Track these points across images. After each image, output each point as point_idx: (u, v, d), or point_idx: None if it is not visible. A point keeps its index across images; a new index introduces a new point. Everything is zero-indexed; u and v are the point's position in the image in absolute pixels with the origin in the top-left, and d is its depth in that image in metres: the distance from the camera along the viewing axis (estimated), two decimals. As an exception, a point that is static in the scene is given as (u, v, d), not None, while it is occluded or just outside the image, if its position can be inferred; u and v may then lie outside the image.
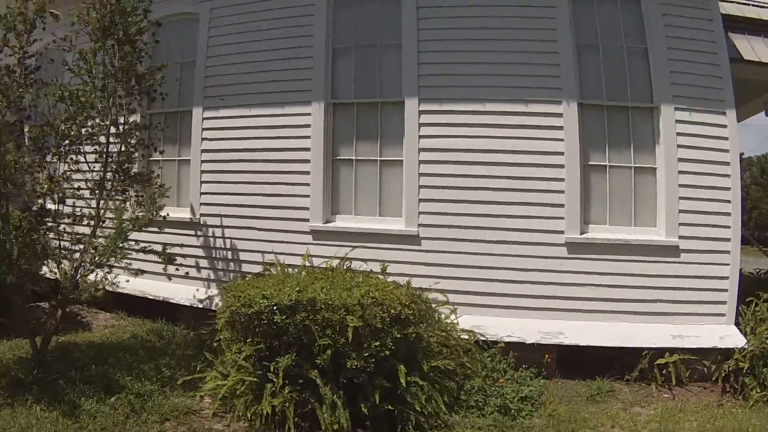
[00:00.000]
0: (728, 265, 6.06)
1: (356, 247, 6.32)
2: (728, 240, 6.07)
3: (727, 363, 5.65)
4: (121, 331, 7.07)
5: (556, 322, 6.04)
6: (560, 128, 6.21)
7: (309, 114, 6.90)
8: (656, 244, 6.09)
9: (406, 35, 6.61)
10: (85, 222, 6.06)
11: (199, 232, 7.46)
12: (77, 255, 5.84)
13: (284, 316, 4.56)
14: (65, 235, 5.92)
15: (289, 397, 4.53)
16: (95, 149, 6.25)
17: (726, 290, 6.05)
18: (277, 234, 6.95)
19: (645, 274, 6.06)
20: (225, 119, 7.36)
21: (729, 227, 6.09)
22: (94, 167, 6.21)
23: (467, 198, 6.32)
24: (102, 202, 6.08)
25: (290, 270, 5.93)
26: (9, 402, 4.83)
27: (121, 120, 6.31)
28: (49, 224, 5.81)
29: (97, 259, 5.75)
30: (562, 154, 6.19)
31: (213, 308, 6.66)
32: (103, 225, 6.04)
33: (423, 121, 6.49)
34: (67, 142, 5.90)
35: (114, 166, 6.24)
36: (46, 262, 5.84)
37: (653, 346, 5.80)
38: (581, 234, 6.15)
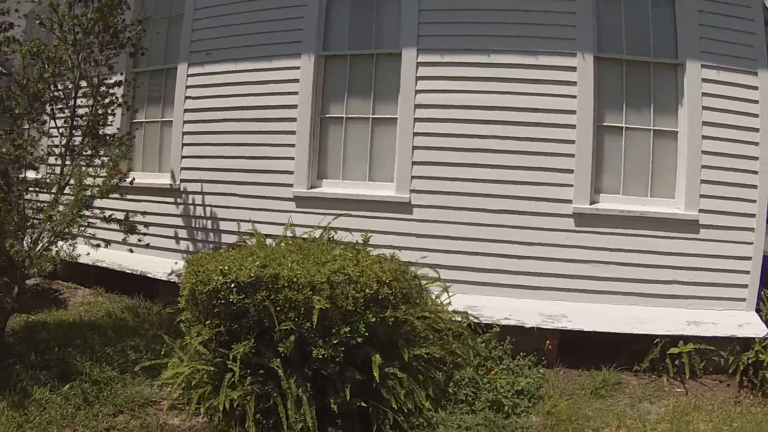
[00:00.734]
0: (751, 244, 5.41)
1: (340, 215, 5.66)
2: (753, 216, 5.41)
3: (746, 354, 5.09)
4: (97, 308, 6.53)
5: (560, 304, 5.42)
6: (573, 83, 5.51)
7: (298, 67, 6.21)
8: (674, 218, 5.43)
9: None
10: (51, 190, 5.47)
11: (179, 200, 6.83)
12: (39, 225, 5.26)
13: (242, 296, 3.92)
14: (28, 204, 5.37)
15: (249, 389, 3.94)
16: (66, 111, 5.66)
17: (748, 272, 5.40)
18: (259, 201, 6.33)
19: (660, 251, 5.42)
20: (210, 75, 6.69)
21: (754, 201, 5.41)
22: (63, 130, 5.62)
23: (465, 161, 5.65)
24: (66, 167, 5.47)
25: (269, 241, 5.31)
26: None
27: (96, 78, 5.69)
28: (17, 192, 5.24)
29: (57, 229, 5.13)
30: (573, 112, 5.50)
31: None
32: (65, 193, 5.41)
33: (421, 74, 5.80)
34: (38, 104, 5.36)
35: (84, 128, 5.63)
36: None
37: (666, 333, 5.19)
38: (591, 204, 5.48)
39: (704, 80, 5.41)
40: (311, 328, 3.91)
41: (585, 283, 5.44)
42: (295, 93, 6.19)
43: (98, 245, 5.85)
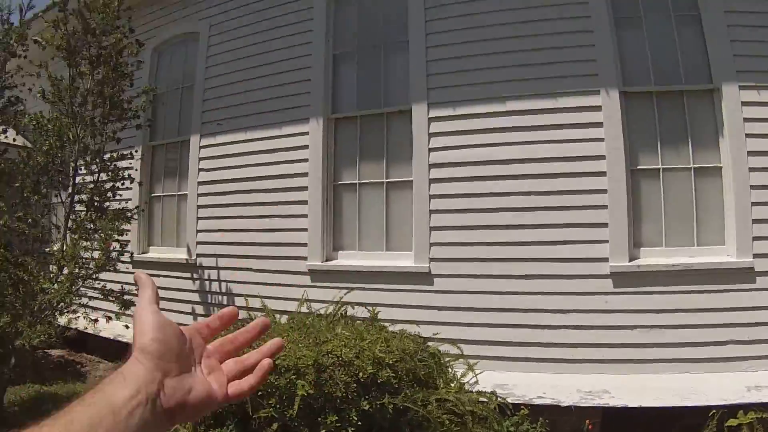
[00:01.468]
0: (817, 291, 4.55)
1: (353, 289, 5.20)
2: (817, 258, 4.54)
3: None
4: (113, 383, 6.47)
5: (600, 378, 4.70)
6: (599, 125, 4.92)
7: (307, 133, 5.96)
8: (725, 268, 4.64)
9: (413, 29, 5.60)
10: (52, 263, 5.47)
11: (195, 275, 6.65)
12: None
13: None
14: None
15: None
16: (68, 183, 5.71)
17: (815, 325, 4.54)
18: (273, 276, 6.01)
19: (712, 308, 4.61)
20: (221, 146, 6.56)
21: (817, 241, 4.56)
22: (67, 204, 5.66)
23: (487, 222, 5.14)
24: (64, 242, 5.46)
25: (284, 318, 5.05)
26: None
27: (98, 149, 5.74)
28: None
29: (54, 303, 5.09)
30: (603, 158, 4.90)
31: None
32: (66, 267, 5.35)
33: (434, 130, 5.40)
34: (45, 177, 5.45)
35: (87, 202, 5.64)
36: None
37: (723, 402, 4.40)
38: (630, 261, 4.80)
39: (744, 103, 4.67)
40: (294, 417, 3.59)
41: (628, 352, 4.70)
42: (305, 160, 5.93)
43: (96, 320, 5.74)
